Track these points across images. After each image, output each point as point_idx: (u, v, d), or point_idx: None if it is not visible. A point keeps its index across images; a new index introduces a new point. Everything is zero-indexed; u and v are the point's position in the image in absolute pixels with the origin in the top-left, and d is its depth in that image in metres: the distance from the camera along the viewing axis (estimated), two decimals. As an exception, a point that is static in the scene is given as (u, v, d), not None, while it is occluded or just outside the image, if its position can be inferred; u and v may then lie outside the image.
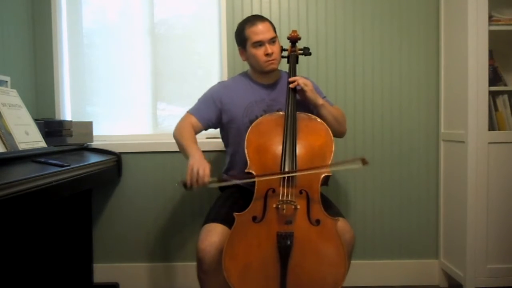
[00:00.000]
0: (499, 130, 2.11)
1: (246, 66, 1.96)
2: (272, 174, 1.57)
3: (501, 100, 2.12)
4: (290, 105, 1.70)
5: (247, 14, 2.32)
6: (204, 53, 2.49)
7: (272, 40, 1.79)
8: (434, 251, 2.42)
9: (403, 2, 2.37)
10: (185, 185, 1.57)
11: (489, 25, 2.02)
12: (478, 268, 2.05)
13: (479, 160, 2.04)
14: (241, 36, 1.82)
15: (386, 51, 2.38)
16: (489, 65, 2.08)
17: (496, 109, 2.12)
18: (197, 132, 1.85)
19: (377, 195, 2.42)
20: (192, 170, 1.55)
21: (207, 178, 1.55)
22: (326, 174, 1.60)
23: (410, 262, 2.42)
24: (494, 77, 2.15)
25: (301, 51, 1.89)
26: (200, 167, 1.55)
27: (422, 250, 2.42)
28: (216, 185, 1.61)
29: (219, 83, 1.98)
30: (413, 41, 2.38)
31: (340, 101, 2.35)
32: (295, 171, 1.56)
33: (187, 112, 1.88)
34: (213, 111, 1.86)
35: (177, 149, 2.41)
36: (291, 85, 1.74)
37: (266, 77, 1.87)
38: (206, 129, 1.90)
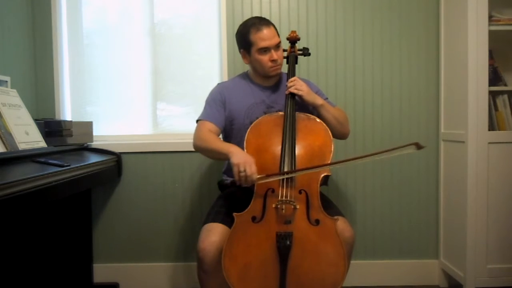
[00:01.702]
0: (499, 130, 2.10)
1: (246, 66, 1.95)
2: (275, 175, 1.56)
3: (501, 100, 2.12)
4: (289, 106, 1.70)
5: (247, 14, 2.32)
6: (204, 53, 2.49)
7: (277, 46, 1.78)
8: (434, 251, 2.42)
9: (403, 2, 2.37)
10: (234, 184, 1.55)
11: (489, 25, 2.02)
12: (478, 268, 2.05)
13: (479, 160, 2.04)
14: (245, 40, 1.80)
15: (386, 51, 2.38)
16: (489, 65, 2.08)
17: (496, 109, 2.12)
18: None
19: (377, 195, 2.42)
20: (239, 170, 1.51)
21: (255, 176, 1.52)
22: (325, 173, 1.60)
23: (410, 262, 2.42)
24: (494, 77, 2.15)
25: (300, 52, 1.89)
26: (247, 165, 1.51)
27: (422, 250, 2.42)
28: (264, 180, 1.55)
29: (218, 84, 1.97)
30: (413, 41, 2.37)
31: (340, 101, 2.35)
32: (299, 170, 1.55)
33: (200, 120, 1.83)
34: (223, 112, 1.84)
35: (177, 149, 2.42)
36: (286, 92, 1.73)
37: (268, 79, 1.87)
38: (221, 132, 1.87)
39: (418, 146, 1.51)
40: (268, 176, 1.55)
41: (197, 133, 1.79)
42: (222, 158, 1.70)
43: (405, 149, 1.53)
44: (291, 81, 1.75)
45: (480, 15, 2.01)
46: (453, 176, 2.25)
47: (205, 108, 1.87)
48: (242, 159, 1.54)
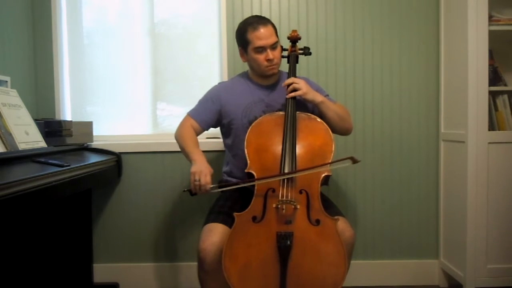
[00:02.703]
0: (499, 130, 2.10)
1: (246, 66, 1.95)
2: (272, 176, 1.56)
3: (501, 100, 2.12)
4: (289, 105, 1.69)
5: (247, 14, 2.32)
6: (204, 53, 2.49)
7: (274, 46, 1.78)
8: (434, 251, 2.42)
9: (403, 2, 2.37)
10: (190, 192, 1.63)
11: (489, 25, 2.02)
12: (478, 268, 2.05)
13: (479, 160, 2.04)
14: (242, 38, 1.81)
15: (386, 51, 2.38)
16: (489, 65, 2.08)
17: (496, 109, 2.12)
18: (197, 134, 1.87)
19: (377, 195, 2.42)
20: (194, 178, 1.59)
21: (208, 187, 1.60)
22: (326, 173, 1.60)
23: (410, 262, 2.42)
24: (494, 77, 2.15)
25: (301, 51, 1.89)
26: (202, 175, 1.59)
27: (422, 250, 2.42)
28: (218, 190, 1.70)
29: (218, 83, 1.98)
30: (413, 41, 2.38)
31: (340, 101, 2.34)
32: (294, 172, 1.56)
33: (187, 114, 1.89)
34: (213, 113, 1.86)
35: (177, 149, 2.41)
36: (287, 96, 1.71)
37: (266, 78, 1.87)
38: (206, 130, 1.91)
39: (354, 160, 1.54)
40: (219, 187, 1.72)
41: (179, 127, 1.87)
42: (188, 160, 1.76)
43: (341, 162, 1.57)
44: (287, 84, 1.72)
45: (480, 15, 2.01)
46: (453, 176, 2.25)
47: (197, 104, 1.91)
48: (198, 169, 1.61)
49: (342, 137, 2.29)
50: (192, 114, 1.88)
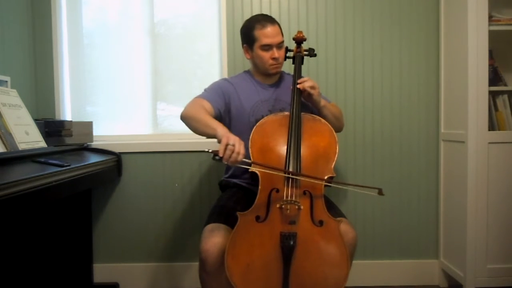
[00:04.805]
0: (499, 130, 2.11)
1: (246, 66, 1.95)
2: (278, 170, 1.55)
3: (501, 100, 2.13)
4: (295, 106, 1.68)
5: (247, 14, 2.32)
6: (204, 53, 2.49)
7: (280, 45, 1.79)
8: (434, 251, 2.42)
9: (403, 2, 2.37)
10: (216, 155, 1.43)
11: (489, 25, 2.03)
12: (478, 268, 2.06)
13: (479, 160, 2.04)
14: (249, 35, 1.81)
15: (386, 51, 2.38)
16: (489, 65, 2.08)
17: (496, 109, 2.12)
18: None
19: (377, 195, 2.41)
20: (228, 143, 1.43)
21: (241, 157, 1.45)
22: (329, 175, 1.59)
23: (410, 262, 2.42)
24: (494, 77, 2.15)
25: (306, 52, 1.88)
26: (236, 142, 1.44)
27: (422, 250, 2.42)
28: (247, 167, 1.50)
29: (224, 79, 1.96)
30: (413, 41, 2.38)
31: (340, 101, 2.35)
32: (301, 174, 1.55)
33: (197, 97, 1.81)
34: (223, 102, 1.83)
35: (177, 149, 2.41)
36: (299, 86, 1.71)
37: (269, 77, 1.88)
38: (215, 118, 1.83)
39: (380, 193, 1.55)
40: (254, 162, 1.51)
41: (190, 104, 1.76)
42: (206, 133, 1.63)
43: (368, 190, 1.58)
44: (305, 79, 1.73)
45: (480, 15, 2.01)
46: (453, 176, 2.25)
47: (205, 91, 1.86)
48: (233, 136, 1.48)
49: (343, 137, 2.32)
50: (203, 96, 1.81)
